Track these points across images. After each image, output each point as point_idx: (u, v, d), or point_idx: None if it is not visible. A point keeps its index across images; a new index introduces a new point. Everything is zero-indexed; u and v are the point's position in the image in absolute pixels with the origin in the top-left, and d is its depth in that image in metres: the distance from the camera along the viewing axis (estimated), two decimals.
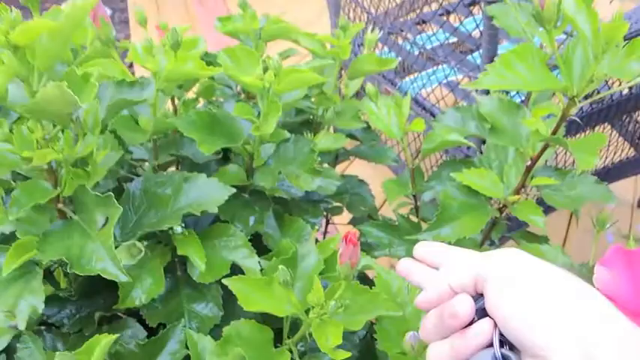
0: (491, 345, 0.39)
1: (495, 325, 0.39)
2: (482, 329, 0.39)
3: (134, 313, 0.69)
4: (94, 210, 0.56)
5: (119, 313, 0.71)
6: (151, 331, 0.68)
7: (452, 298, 0.42)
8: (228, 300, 0.66)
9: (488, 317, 0.39)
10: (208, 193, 0.67)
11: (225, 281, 0.60)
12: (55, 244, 0.56)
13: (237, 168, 0.76)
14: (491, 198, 0.77)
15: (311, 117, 0.95)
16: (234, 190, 0.68)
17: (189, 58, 0.65)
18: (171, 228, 0.65)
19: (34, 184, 0.58)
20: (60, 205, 0.60)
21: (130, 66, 2.31)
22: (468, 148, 1.20)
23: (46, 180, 0.58)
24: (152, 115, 0.70)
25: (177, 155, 0.79)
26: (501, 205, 0.77)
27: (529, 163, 0.73)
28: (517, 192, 0.75)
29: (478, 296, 0.41)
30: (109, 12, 2.78)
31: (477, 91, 1.03)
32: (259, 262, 0.68)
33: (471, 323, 0.40)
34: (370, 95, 0.86)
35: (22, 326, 0.57)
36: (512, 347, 0.39)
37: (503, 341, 0.39)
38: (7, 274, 0.57)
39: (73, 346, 0.64)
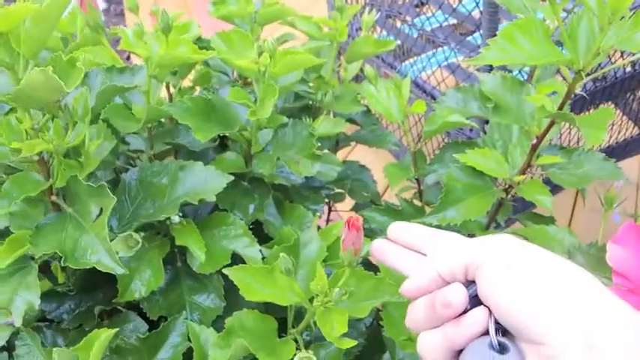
0: (485, 332, 0.38)
1: (490, 312, 0.38)
2: (478, 318, 0.38)
3: (135, 307, 0.68)
4: (87, 201, 0.54)
5: (119, 307, 0.70)
6: (152, 324, 0.66)
7: (441, 286, 0.40)
8: (230, 290, 0.65)
9: (482, 305, 0.38)
10: (206, 181, 0.65)
11: (225, 271, 0.59)
12: (49, 237, 0.54)
13: (235, 155, 0.74)
14: (496, 179, 0.76)
15: (310, 102, 0.93)
16: (232, 178, 0.66)
17: (181, 42, 0.63)
18: (169, 218, 0.64)
19: (25, 176, 0.56)
20: (53, 198, 0.58)
21: (128, 58, 2.29)
22: (471, 130, 1.18)
23: (37, 172, 0.57)
24: (145, 103, 0.68)
25: (173, 144, 0.77)
26: (507, 186, 0.75)
27: (534, 141, 0.71)
28: (523, 172, 0.73)
29: (468, 283, 0.39)
30: (105, 5, 2.76)
31: (478, 70, 1.01)
32: (260, 251, 0.67)
33: (463, 311, 0.39)
34: (369, 78, 0.84)
35: (18, 323, 0.56)
36: (504, 332, 0.37)
37: (497, 327, 0.37)
38: (1, 270, 0.56)
39: (73, 342, 0.63)
